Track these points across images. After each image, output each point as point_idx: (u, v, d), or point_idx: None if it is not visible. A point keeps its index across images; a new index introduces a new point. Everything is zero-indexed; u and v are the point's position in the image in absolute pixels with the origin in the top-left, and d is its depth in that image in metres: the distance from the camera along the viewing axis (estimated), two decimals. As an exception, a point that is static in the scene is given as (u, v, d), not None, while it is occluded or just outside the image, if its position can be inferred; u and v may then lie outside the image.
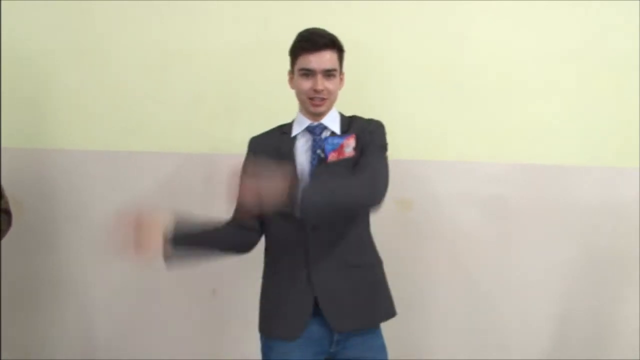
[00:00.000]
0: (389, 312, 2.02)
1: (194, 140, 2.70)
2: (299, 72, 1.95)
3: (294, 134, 2.01)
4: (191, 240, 1.88)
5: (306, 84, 1.94)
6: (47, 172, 2.73)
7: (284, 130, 2.04)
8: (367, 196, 1.84)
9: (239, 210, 1.94)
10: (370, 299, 1.97)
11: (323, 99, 1.96)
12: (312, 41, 1.92)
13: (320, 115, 2.00)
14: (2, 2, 2.72)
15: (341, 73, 2.00)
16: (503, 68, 2.65)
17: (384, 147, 1.99)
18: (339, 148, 1.95)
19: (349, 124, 2.02)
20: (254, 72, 2.67)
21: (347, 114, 2.06)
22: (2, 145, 2.68)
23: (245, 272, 2.39)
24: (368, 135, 1.97)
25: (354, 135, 1.96)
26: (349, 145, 1.96)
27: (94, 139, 2.73)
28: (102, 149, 2.72)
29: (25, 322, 2.80)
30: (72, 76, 2.72)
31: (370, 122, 2.03)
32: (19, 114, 2.74)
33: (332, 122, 2.01)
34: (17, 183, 2.67)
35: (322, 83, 1.93)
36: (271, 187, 1.69)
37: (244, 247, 2.01)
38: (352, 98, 2.16)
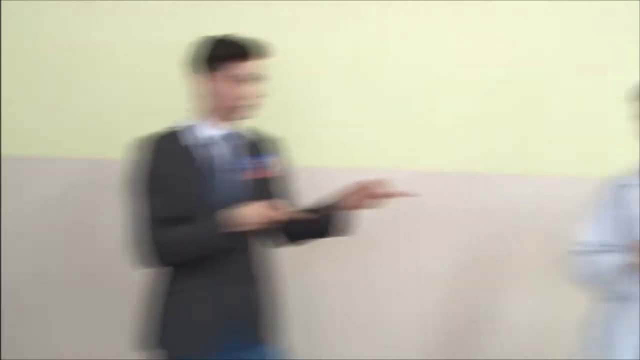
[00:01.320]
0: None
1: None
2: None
3: (202, 139, 1.96)
4: None
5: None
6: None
7: (181, 134, 1.98)
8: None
9: None
10: (274, 310, 2.05)
11: (254, 105, 2.00)
12: (253, 48, 1.95)
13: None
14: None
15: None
16: (409, 77, 2.67)
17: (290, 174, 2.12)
18: (258, 167, 2.00)
19: (259, 138, 2.09)
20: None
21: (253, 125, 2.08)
22: None
23: None
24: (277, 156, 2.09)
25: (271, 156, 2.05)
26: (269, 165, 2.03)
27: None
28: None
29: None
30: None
31: (276, 142, 2.13)
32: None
33: (238, 132, 2.03)
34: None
35: (258, 88, 1.98)
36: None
37: None
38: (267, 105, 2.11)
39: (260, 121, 2.08)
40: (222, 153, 1.96)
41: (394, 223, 2.59)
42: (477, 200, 2.71)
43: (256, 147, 2.03)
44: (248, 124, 2.05)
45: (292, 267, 2.33)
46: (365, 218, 2.15)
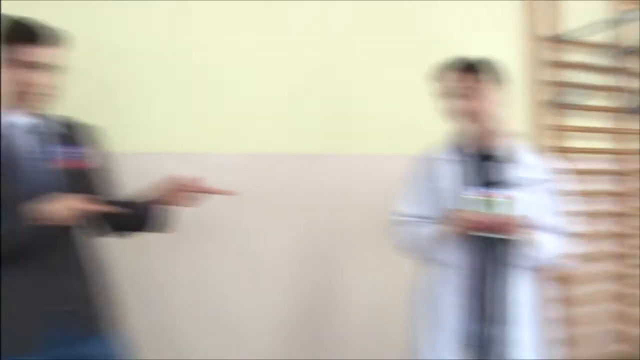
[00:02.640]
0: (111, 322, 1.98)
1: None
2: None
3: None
4: None
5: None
6: None
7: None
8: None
9: None
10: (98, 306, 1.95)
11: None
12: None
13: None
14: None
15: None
16: (221, 63, 2.66)
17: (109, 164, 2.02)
18: (71, 157, 1.92)
19: (73, 128, 1.98)
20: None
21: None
22: None
23: None
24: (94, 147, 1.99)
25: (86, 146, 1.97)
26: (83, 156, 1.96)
27: None
28: None
29: None
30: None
31: (92, 131, 2.01)
32: None
33: (39, 120, 1.90)
34: None
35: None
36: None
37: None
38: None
39: (79, 109, 2.03)
40: (26, 141, 1.84)
41: (231, 209, 2.54)
42: (309, 181, 2.79)
43: (70, 137, 1.93)
44: (62, 113, 1.96)
45: (133, 259, 2.37)
46: (208, 207, 2.13)
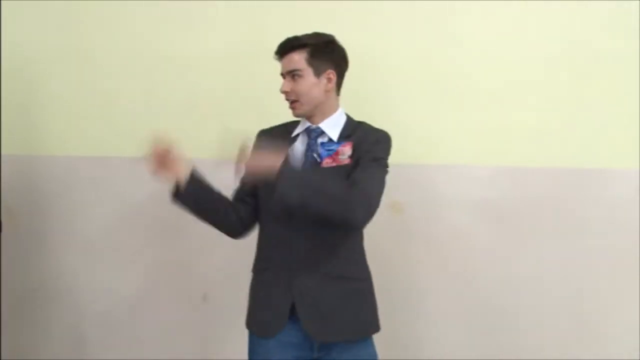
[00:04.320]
0: (372, 327, 2.00)
1: (185, 146, 2.64)
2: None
3: (294, 133, 2.02)
4: (202, 188, 1.95)
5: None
6: (39, 178, 2.79)
7: (289, 129, 2.05)
8: (343, 214, 1.82)
9: (241, 181, 2.00)
10: (351, 312, 1.95)
11: (293, 101, 1.97)
12: (280, 46, 1.97)
13: (311, 117, 1.99)
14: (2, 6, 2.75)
15: (321, 72, 1.95)
16: (492, 71, 2.61)
17: (380, 162, 1.94)
18: (334, 155, 1.94)
19: (354, 130, 1.99)
20: (246, 77, 2.68)
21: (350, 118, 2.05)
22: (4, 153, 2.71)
23: (235, 277, 2.40)
24: (368, 146, 1.93)
25: (350, 144, 1.95)
26: (344, 153, 1.94)
27: (84, 145, 2.77)
28: (93, 155, 2.75)
29: (21, 324, 2.86)
30: (62, 82, 2.76)
31: (376, 132, 1.99)
32: (11, 120, 2.79)
33: (331, 126, 1.99)
34: (9, 189, 2.73)
35: (286, 85, 1.96)
36: (264, 159, 1.77)
37: (235, 224, 2.03)
38: (347, 102, 2.13)
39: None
40: (299, 151, 2.00)
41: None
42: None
43: (342, 137, 1.99)
44: (351, 120, 2.04)
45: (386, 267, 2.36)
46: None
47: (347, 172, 1.90)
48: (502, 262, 2.63)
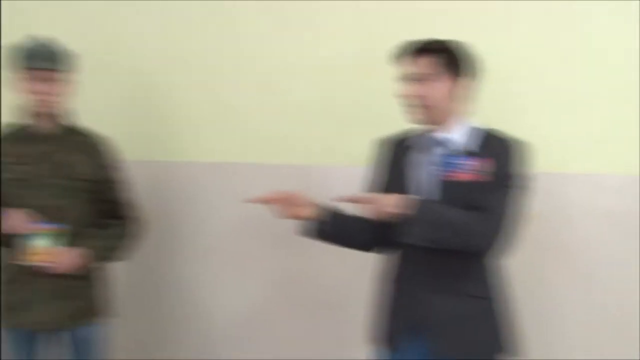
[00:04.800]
0: (496, 349, 1.92)
1: (303, 153, 2.69)
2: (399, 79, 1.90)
3: (414, 142, 1.95)
4: (334, 222, 1.96)
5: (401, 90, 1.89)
6: (164, 184, 2.86)
7: (410, 137, 1.98)
8: (468, 243, 1.79)
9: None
10: (474, 330, 1.89)
11: (416, 106, 1.87)
12: (406, 48, 1.89)
13: (435, 125, 1.90)
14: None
15: (450, 78, 1.86)
16: (625, 77, 2.45)
17: (512, 180, 1.84)
18: (459, 168, 1.85)
19: (484, 141, 1.88)
20: (358, 84, 2.62)
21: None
22: (134, 159, 2.71)
23: (362, 288, 2.41)
24: (499, 161, 1.83)
25: (478, 158, 1.85)
26: (470, 168, 1.84)
27: (209, 151, 2.81)
28: (218, 161, 2.79)
29: (147, 324, 2.95)
30: (188, 91, 2.82)
31: (508, 144, 1.87)
32: (139, 127, 2.88)
33: (457, 136, 1.89)
34: (150, 194, 2.77)
35: (410, 88, 1.86)
36: (385, 202, 1.80)
37: (369, 241, 2.02)
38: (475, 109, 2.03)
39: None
40: (418, 162, 1.94)
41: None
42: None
43: (479, 149, 1.89)
44: (478, 129, 1.94)
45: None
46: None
47: (471, 189, 1.82)
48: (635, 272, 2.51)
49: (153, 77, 2.86)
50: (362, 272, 2.39)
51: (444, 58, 1.85)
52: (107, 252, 2.37)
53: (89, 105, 2.65)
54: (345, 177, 2.48)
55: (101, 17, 2.88)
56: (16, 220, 2.20)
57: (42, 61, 2.24)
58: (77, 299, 2.34)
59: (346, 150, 2.62)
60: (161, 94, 2.87)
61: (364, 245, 2.04)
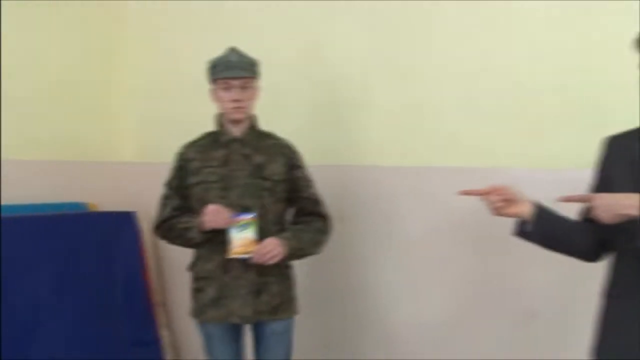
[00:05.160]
0: None
1: (504, 156, 2.61)
2: None
3: None
4: (549, 224, 1.86)
5: None
6: (364, 187, 2.91)
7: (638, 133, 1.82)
8: None
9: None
10: None
11: None
12: None
13: None
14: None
15: None
16: None
17: None
18: None
19: None
20: (575, 78, 2.46)
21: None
22: (320, 163, 2.79)
23: (567, 292, 2.31)
24: None
25: None
26: None
27: (406, 155, 2.82)
28: (415, 165, 2.79)
29: (330, 324, 3.02)
30: (383, 94, 2.86)
31: None
32: (336, 132, 2.98)
33: None
34: (339, 196, 2.83)
35: None
36: (618, 202, 1.66)
37: (588, 249, 1.89)
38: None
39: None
40: None
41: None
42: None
43: None
44: None
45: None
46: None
47: None
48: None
49: (347, 82, 2.93)
50: (569, 279, 2.33)
51: None
52: (304, 245, 2.49)
53: (281, 110, 2.81)
54: (545, 180, 2.38)
55: (298, 25, 3.00)
56: (216, 214, 2.36)
57: (238, 70, 2.43)
58: (269, 295, 2.46)
59: (544, 152, 2.53)
60: (356, 99, 2.92)
61: (583, 251, 1.90)
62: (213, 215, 2.37)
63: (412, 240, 2.80)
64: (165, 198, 2.56)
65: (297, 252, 2.47)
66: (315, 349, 3.02)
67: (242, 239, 2.36)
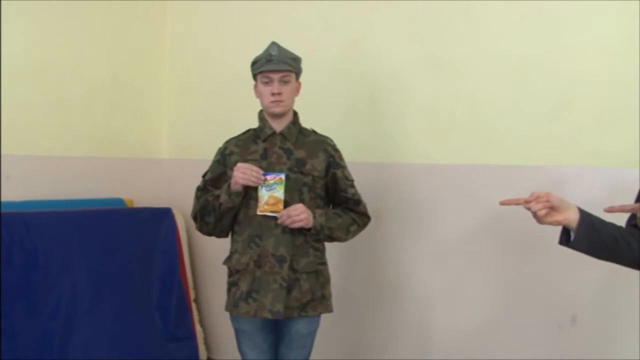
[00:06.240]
0: None
1: (554, 152, 2.52)
2: None
3: None
4: (594, 231, 1.78)
5: None
6: (402, 184, 2.89)
7: None
8: None
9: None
10: None
11: None
12: None
13: None
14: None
15: None
16: None
17: None
18: None
19: None
20: (628, 72, 2.35)
21: None
22: (359, 160, 2.79)
23: (609, 298, 2.25)
24: None
25: None
26: None
27: (446, 153, 2.77)
28: (455, 163, 2.74)
29: (366, 323, 3.01)
30: (426, 90, 2.81)
31: None
32: (369, 129, 2.97)
33: None
34: (375, 194, 2.82)
35: None
36: None
37: (636, 256, 1.82)
38: None
39: None
40: None
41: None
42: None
43: None
44: None
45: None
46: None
47: None
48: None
49: (387, 78, 2.90)
50: (611, 283, 2.27)
51: None
52: (333, 225, 2.47)
53: (321, 107, 2.81)
54: (596, 179, 2.34)
55: (338, 21, 3.00)
56: (248, 171, 2.35)
57: (279, 64, 2.43)
58: (300, 291, 2.46)
59: (588, 150, 2.44)
60: (396, 95, 2.90)
61: (632, 260, 1.82)
62: (244, 171, 2.37)
63: (450, 241, 2.76)
64: (198, 189, 2.58)
65: (324, 230, 2.45)
66: (348, 350, 3.01)
67: (271, 197, 2.39)
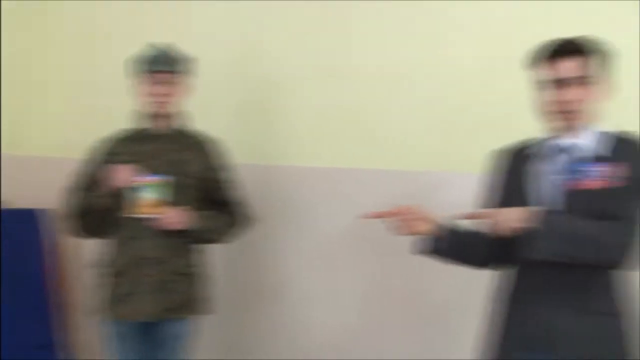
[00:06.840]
0: None
1: (417, 158, 2.66)
2: (542, 84, 1.80)
3: (533, 151, 1.87)
4: (451, 241, 1.90)
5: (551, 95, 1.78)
6: (284, 187, 2.91)
7: (526, 145, 1.91)
8: (611, 256, 1.70)
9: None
10: (601, 350, 1.76)
11: (570, 112, 1.76)
12: (559, 48, 1.77)
13: (571, 130, 1.79)
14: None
15: (601, 80, 1.78)
16: None
17: None
18: (587, 176, 1.75)
19: (616, 144, 1.78)
20: (478, 89, 2.55)
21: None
22: (243, 162, 2.75)
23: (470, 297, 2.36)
24: (632, 167, 1.72)
25: (622, 165, 1.72)
26: (600, 175, 1.74)
27: (332, 157, 2.83)
28: (331, 166, 2.82)
29: (246, 324, 2.99)
30: (316, 95, 2.85)
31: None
32: (258, 132, 2.97)
33: (588, 141, 1.79)
34: (259, 196, 2.78)
35: (572, 93, 1.75)
36: (508, 217, 1.74)
37: (485, 258, 1.95)
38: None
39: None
40: (554, 161, 1.84)
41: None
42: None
43: (609, 154, 1.78)
44: (608, 133, 1.81)
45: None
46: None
47: (601, 197, 1.73)
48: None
49: (274, 83, 2.93)
50: (467, 286, 2.39)
51: (597, 58, 1.77)
52: (212, 227, 2.47)
53: (207, 109, 2.75)
54: (460, 183, 2.47)
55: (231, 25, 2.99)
56: (124, 173, 2.31)
57: (162, 65, 2.39)
58: (176, 293, 2.43)
59: (462, 157, 2.56)
60: (283, 99, 2.93)
61: (480, 261, 1.97)
62: (120, 173, 2.32)
63: (327, 243, 2.82)
64: (71, 189, 2.48)
65: (202, 232, 2.44)
66: (228, 351, 2.99)
67: (149, 198, 2.35)
